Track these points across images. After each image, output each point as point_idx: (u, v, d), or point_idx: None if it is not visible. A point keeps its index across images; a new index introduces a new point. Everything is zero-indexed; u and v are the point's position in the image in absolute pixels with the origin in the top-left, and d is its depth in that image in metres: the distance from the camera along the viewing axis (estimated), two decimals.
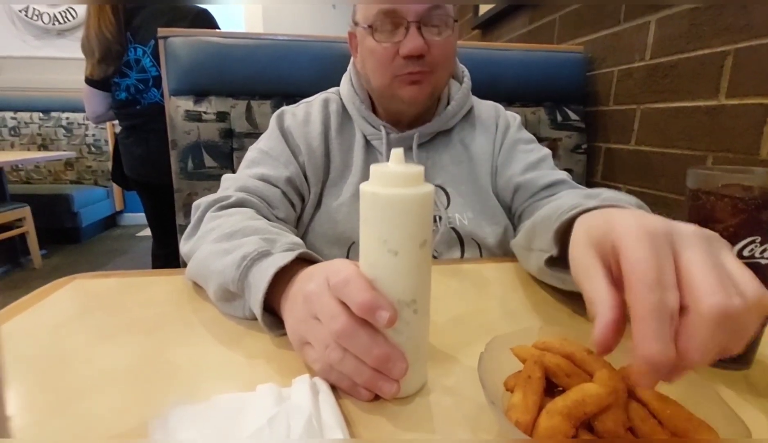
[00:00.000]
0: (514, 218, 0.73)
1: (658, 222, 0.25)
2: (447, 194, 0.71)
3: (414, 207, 0.30)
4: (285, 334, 0.38)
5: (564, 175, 0.69)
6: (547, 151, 0.74)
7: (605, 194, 0.52)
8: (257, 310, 0.39)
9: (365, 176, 0.69)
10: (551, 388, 0.30)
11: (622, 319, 0.25)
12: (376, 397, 0.32)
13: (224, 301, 0.45)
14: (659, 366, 0.22)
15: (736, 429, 0.24)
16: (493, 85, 1.08)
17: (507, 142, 0.73)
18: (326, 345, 0.32)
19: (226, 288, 0.44)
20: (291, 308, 0.37)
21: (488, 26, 1.81)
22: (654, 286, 0.22)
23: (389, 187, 0.29)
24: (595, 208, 0.37)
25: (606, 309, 0.25)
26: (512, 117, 0.77)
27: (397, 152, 0.31)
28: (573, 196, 0.55)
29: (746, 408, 0.33)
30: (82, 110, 1.54)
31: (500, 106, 0.78)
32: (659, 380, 0.24)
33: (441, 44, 0.62)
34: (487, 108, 0.77)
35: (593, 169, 1.19)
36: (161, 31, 0.98)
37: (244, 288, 0.42)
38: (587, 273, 0.27)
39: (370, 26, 0.61)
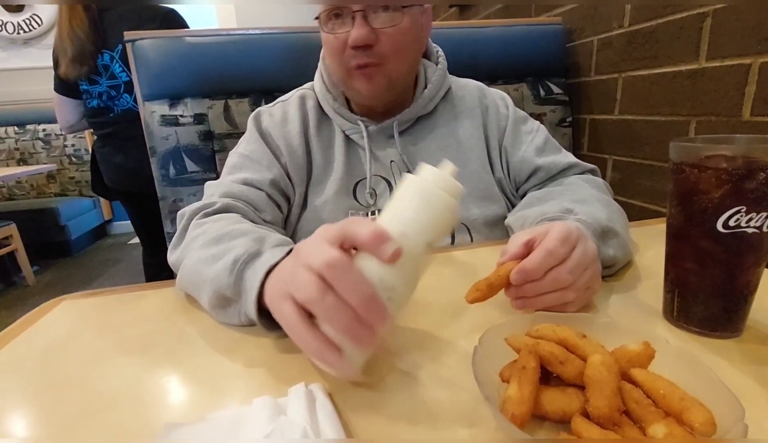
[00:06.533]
0: (517, 194, 0.74)
1: (571, 237, 0.41)
2: None
3: (444, 210, 0.32)
4: (284, 335, 0.37)
5: (572, 158, 0.72)
6: (543, 127, 0.75)
7: (578, 208, 0.53)
8: (252, 310, 0.39)
9: (347, 171, 0.68)
10: (547, 376, 0.30)
11: (520, 258, 0.41)
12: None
13: (219, 308, 0.45)
14: (529, 272, 0.39)
15: (730, 407, 0.24)
16: (474, 65, 1.06)
17: (510, 123, 0.73)
18: (308, 283, 0.30)
19: (221, 294, 0.43)
20: (277, 274, 0.37)
21: (465, 4, 1.78)
22: (549, 250, 0.40)
23: (435, 184, 0.32)
24: (555, 218, 0.52)
25: (514, 248, 0.42)
26: (500, 96, 0.76)
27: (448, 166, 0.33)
28: (560, 202, 0.56)
29: (738, 375, 0.33)
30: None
31: (483, 86, 0.77)
32: (525, 282, 0.39)
33: (392, 34, 0.59)
34: (469, 89, 0.75)
35: (579, 141, 1.18)
36: (128, 35, 0.95)
37: (241, 292, 0.41)
38: (517, 237, 0.44)
39: (318, 18, 0.60)
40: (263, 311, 0.39)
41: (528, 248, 0.41)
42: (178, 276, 0.51)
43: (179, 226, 0.57)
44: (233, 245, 0.45)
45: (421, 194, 0.32)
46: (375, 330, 0.29)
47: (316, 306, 0.30)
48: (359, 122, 0.68)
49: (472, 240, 0.70)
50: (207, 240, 0.49)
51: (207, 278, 0.44)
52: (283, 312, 0.32)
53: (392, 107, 0.69)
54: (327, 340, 0.30)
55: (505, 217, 0.68)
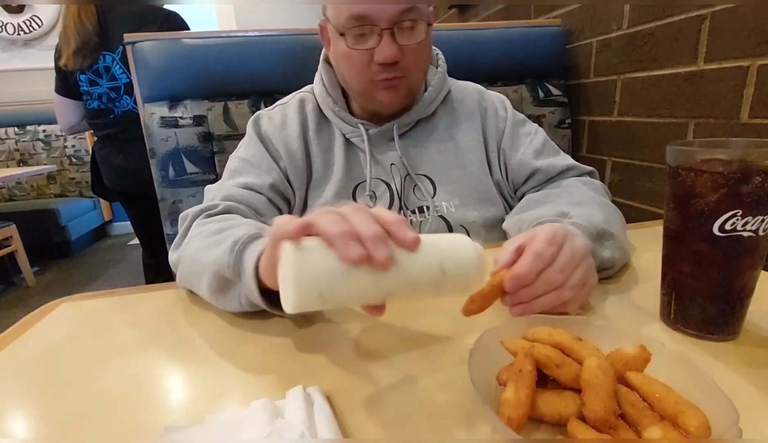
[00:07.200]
0: (516, 196, 0.74)
1: (557, 237, 0.41)
2: (433, 183, 0.71)
3: (467, 253, 0.34)
4: (283, 336, 0.38)
5: (570, 161, 0.72)
6: (541, 130, 0.75)
7: (574, 211, 0.53)
8: (251, 285, 0.39)
9: (347, 174, 0.68)
10: (543, 379, 0.30)
11: (512, 265, 0.40)
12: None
13: (219, 293, 0.45)
14: (522, 277, 0.39)
15: (725, 410, 0.24)
16: (473, 66, 1.07)
17: (509, 125, 0.73)
18: (320, 211, 0.31)
19: (221, 276, 0.43)
20: None
21: (465, 5, 1.78)
22: (537, 253, 0.40)
23: (468, 239, 0.36)
24: (550, 221, 0.51)
25: (506, 256, 0.42)
26: (498, 99, 0.76)
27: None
28: (556, 205, 0.57)
29: (735, 378, 0.33)
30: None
31: (482, 88, 0.78)
32: (519, 287, 0.39)
33: (415, 49, 0.61)
34: (468, 92, 0.76)
35: (578, 143, 1.18)
36: (128, 37, 0.95)
37: (240, 272, 0.42)
38: (508, 244, 0.43)
39: (341, 33, 0.60)
40: (263, 293, 0.40)
41: (519, 254, 0.41)
42: (178, 270, 0.51)
43: (181, 228, 0.57)
44: (234, 231, 0.46)
45: (455, 235, 0.36)
46: (369, 253, 0.28)
47: (318, 217, 0.30)
48: (359, 125, 0.68)
49: None
50: (209, 232, 0.50)
51: (207, 262, 0.45)
52: (276, 221, 0.32)
53: (393, 111, 0.69)
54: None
55: (503, 219, 0.68)
